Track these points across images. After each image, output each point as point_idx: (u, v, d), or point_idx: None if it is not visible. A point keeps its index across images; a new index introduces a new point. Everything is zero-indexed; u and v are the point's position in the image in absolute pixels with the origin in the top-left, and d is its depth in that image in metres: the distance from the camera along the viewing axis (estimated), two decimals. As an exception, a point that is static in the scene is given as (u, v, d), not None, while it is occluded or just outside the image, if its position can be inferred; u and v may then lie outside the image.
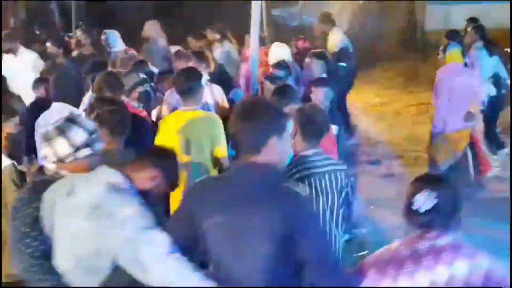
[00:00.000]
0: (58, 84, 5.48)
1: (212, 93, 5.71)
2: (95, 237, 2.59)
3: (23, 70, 7.82)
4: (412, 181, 2.65)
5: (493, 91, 7.91)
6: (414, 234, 2.54)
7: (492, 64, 8.17)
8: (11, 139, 4.19)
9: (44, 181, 2.87)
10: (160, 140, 4.51)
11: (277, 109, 2.58)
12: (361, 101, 10.99)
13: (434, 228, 2.48)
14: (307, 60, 6.71)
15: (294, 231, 2.31)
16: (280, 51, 7.49)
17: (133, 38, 10.06)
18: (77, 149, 2.72)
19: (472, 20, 9.13)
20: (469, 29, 8.62)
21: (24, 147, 5.07)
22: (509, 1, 12.05)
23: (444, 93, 6.55)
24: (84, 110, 4.32)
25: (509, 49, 10.75)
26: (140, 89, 5.52)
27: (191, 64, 6.07)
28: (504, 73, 8.25)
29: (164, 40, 9.10)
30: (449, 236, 2.48)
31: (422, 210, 2.43)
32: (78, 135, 2.74)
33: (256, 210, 2.35)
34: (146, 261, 2.49)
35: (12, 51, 8.23)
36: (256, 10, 6.26)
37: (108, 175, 2.70)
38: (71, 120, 2.81)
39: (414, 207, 2.45)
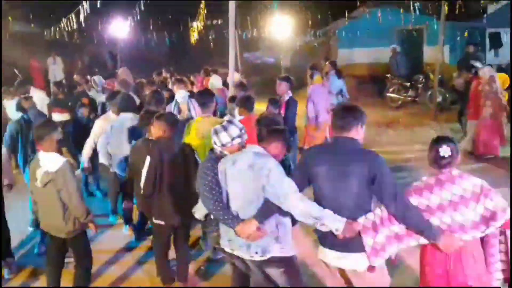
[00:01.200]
0: (123, 102, 6.24)
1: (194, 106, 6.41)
2: (254, 182, 3.40)
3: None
4: (434, 139, 3.41)
5: (339, 99, 9.51)
6: (436, 171, 3.33)
7: (339, 84, 9.82)
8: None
9: (216, 157, 3.71)
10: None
11: (362, 110, 3.39)
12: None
13: (450, 166, 3.29)
14: (278, 82, 7.20)
15: (374, 175, 3.14)
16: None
17: (152, 69, 12.20)
18: (232, 139, 3.57)
19: (332, 63, 10.55)
20: (327, 63, 10.45)
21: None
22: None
23: (313, 100, 8.01)
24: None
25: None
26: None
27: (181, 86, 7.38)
28: (344, 89, 9.88)
29: (131, 79, 10.75)
30: (456, 170, 3.33)
31: (446, 155, 3.25)
32: (234, 131, 3.58)
33: (350, 162, 3.21)
34: (283, 195, 3.30)
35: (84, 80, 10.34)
36: (232, 9, 8.16)
37: (253, 149, 3.57)
38: (231, 122, 3.69)
39: (441, 154, 3.26)
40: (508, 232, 3.34)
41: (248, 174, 3.37)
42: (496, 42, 15.56)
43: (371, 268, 3.25)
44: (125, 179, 5.57)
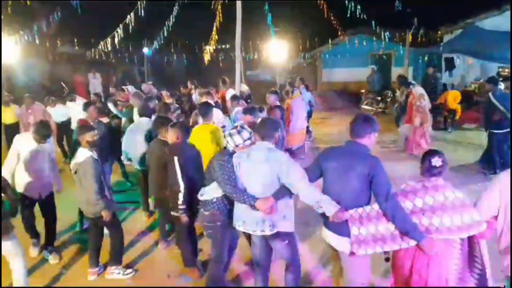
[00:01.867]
0: (144, 108, 6.29)
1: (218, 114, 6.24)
2: (270, 172, 3.50)
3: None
4: (427, 152, 3.29)
5: (308, 108, 9.68)
6: (424, 178, 3.21)
7: (308, 95, 10.40)
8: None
9: (230, 153, 3.78)
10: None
11: (376, 121, 3.34)
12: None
13: (440, 175, 3.17)
14: (267, 95, 7.27)
15: (372, 175, 3.14)
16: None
17: (173, 83, 13.21)
18: (244, 141, 3.70)
19: (301, 79, 10.95)
20: (298, 79, 10.78)
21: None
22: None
23: (293, 111, 7.95)
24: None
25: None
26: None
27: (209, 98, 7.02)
28: (313, 100, 10.55)
29: (154, 91, 10.51)
30: (442, 181, 3.17)
31: (438, 165, 3.14)
32: (245, 135, 3.71)
33: (355, 162, 3.21)
34: (294, 181, 3.41)
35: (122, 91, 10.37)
36: (238, 35, 8.58)
37: (265, 145, 3.61)
38: (242, 127, 3.79)
39: (433, 164, 3.15)
40: (482, 242, 3.16)
41: (265, 166, 3.48)
42: (450, 64, 15.69)
43: (351, 254, 3.25)
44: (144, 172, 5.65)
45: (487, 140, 7.71)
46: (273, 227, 3.54)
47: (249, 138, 3.69)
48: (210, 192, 3.89)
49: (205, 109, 5.38)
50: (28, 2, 7.94)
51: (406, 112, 9.19)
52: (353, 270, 3.36)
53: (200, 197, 3.95)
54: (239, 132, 3.68)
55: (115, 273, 4.71)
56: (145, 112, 6.15)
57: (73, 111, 8.52)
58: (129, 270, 4.79)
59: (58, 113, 9.12)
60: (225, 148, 3.87)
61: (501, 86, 8.52)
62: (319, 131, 11.73)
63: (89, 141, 4.40)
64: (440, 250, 3.12)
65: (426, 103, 8.71)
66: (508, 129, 7.25)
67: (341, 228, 3.23)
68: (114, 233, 4.70)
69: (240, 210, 3.67)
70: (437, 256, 3.12)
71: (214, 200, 3.87)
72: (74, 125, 7.84)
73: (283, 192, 3.49)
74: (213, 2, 10.97)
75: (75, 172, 4.41)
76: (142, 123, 5.98)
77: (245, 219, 3.63)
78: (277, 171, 3.43)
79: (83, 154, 4.39)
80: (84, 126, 4.73)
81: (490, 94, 7.49)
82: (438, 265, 3.14)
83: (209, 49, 13.70)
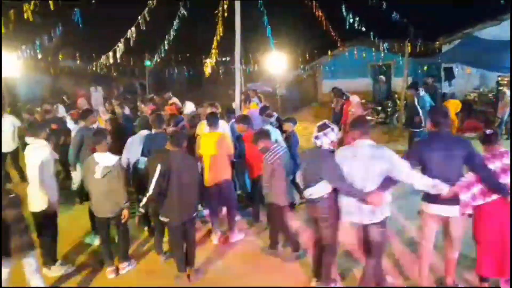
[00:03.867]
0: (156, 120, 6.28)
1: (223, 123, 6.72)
2: (377, 168, 3.85)
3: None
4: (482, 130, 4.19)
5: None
6: (488, 149, 4.13)
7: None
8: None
9: (328, 150, 4.15)
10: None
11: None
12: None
13: (495, 143, 4.16)
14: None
15: (468, 154, 3.91)
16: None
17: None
18: (337, 135, 4.25)
19: (254, 91, 11.40)
20: (252, 91, 11.12)
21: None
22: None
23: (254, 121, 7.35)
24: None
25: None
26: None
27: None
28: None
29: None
30: (501, 147, 4.17)
31: (490, 133, 4.18)
32: (336, 132, 4.26)
33: (456, 146, 3.95)
34: (405, 173, 3.85)
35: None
36: (238, 12, 8.45)
37: (368, 142, 3.96)
38: (328, 125, 4.25)
39: (487, 133, 4.14)
40: None
41: (372, 162, 3.86)
42: (450, 74, 15.73)
43: (462, 215, 4.04)
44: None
45: (408, 138, 8.95)
46: (381, 214, 3.97)
47: (337, 134, 4.21)
48: (319, 190, 4.15)
49: (213, 119, 5.87)
50: (30, 18, 7.96)
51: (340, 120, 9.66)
52: (460, 229, 4.14)
53: (309, 197, 4.25)
54: (332, 130, 4.15)
55: (126, 268, 5.08)
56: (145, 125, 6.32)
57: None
58: (133, 261, 5.21)
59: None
60: (319, 147, 4.20)
61: (422, 91, 9.30)
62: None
63: (107, 146, 4.74)
64: None
65: (361, 111, 9.13)
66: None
67: (452, 200, 3.93)
68: (125, 232, 5.05)
69: (349, 203, 4.01)
70: None
71: (326, 196, 4.14)
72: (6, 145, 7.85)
73: (388, 183, 3.90)
74: (214, 14, 11.01)
75: (103, 176, 4.61)
76: (142, 135, 6.15)
77: (354, 210, 3.99)
78: (385, 166, 3.84)
79: (111, 158, 4.68)
80: (102, 132, 4.93)
81: (415, 98, 8.69)
82: None
83: (209, 62, 13.72)
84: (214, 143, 5.66)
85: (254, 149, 5.44)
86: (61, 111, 9.24)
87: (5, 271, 3.85)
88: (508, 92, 11.61)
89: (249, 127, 6.17)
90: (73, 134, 6.65)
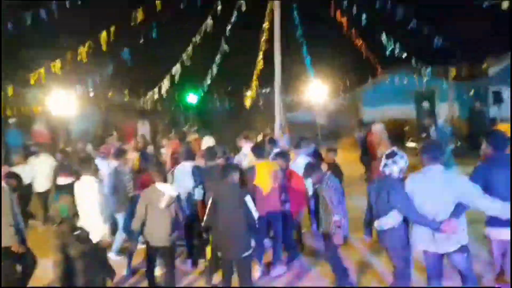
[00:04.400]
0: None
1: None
2: (450, 193, 3.80)
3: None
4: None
5: None
6: None
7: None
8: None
9: (398, 179, 4.06)
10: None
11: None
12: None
13: None
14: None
15: None
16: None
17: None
18: (406, 163, 4.14)
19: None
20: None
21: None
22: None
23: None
24: None
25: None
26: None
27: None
28: None
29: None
30: None
31: None
32: (405, 157, 4.17)
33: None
34: (478, 199, 3.80)
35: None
36: (277, 16, 9.12)
37: (439, 167, 3.91)
38: (396, 152, 4.20)
39: None
40: None
41: (445, 188, 3.79)
42: (498, 98, 15.15)
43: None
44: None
45: None
46: (458, 242, 3.87)
47: (406, 162, 4.12)
48: (390, 221, 4.09)
49: (259, 151, 6.15)
50: (84, 59, 8.58)
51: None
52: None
53: (380, 228, 4.19)
54: (402, 157, 4.09)
55: None
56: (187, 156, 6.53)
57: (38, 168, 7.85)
58: None
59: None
60: (387, 176, 4.13)
61: (442, 122, 9.78)
62: (356, 172, 11.36)
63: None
64: None
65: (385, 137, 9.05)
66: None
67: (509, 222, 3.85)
68: (170, 263, 5.11)
69: (422, 231, 3.92)
70: None
71: (397, 226, 4.08)
72: (40, 185, 7.60)
73: (461, 210, 3.81)
74: (254, 47, 11.33)
75: (167, 206, 4.85)
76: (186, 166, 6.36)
77: (427, 238, 3.91)
78: (458, 193, 3.77)
79: (171, 188, 5.01)
80: (161, 164, 5.55)
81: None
82: None
83: (250, 93, 14.02)
84: (268, 173, 5.70)
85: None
86: (89, 149, 9.33)
87: None
88: None
89: (287, 163, 6.18)
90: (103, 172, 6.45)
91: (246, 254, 4.66)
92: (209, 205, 4.73)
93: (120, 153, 6.73)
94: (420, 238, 4.00)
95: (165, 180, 5.13)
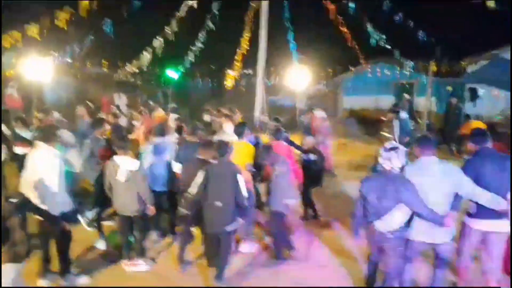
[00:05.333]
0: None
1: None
2: (449, 184, 3.88)
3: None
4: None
5: None
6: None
7: None
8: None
9: (397, 174, 3.84)
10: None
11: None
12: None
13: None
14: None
15: None
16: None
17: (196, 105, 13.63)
18: (402, 165, 3.87)
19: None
20: None
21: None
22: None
23: None
24: None
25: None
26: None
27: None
28: None
29: None
30: None
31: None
32: (404, 157, 3.89)
33: (506, 162, 4.11)
34: (471, 190, 3.96)
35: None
36: (264, 13, 9.02)
37: (435, 158, 3.96)
38: (396, 147, 3.90)
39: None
40: None
41: (443, 180, 3.86)
42: (474, 95, 15.53)
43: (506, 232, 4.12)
44: None
45: None
46: (451, 234, 4.01)
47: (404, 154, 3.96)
48: (398, 220, 3.87)
49: (240, 129, 6.12)
50: (65, 27, 8.27)
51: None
52: (501, 246, 4.20)
53: (388, 229, 3.92)
54: (402, 151, 3.87)
55: (142, 265, 5.12)
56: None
57: None
58: (150, 262, 5.22)
59: None
60: (389, 171, 3.89)
61: (403, 114, 9.88)
62: (340, 158, 11.57)
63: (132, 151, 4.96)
64: None
65: (327, 124, 9.62)
66: None
67: (503, 214, 3.98)
68: (145, 229, 5.20)
69: (421, 223, 3.93)
70: None
71: (403, 225, 3.91)
72: None
73: (459, 202, 4.00)
74: (239, 28, 11.20)
75: (126, 180, 4.81)
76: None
77: (425, 230, 3.95)
78: (455, 183, 3.88)
79: (133, 163, 4.88)
80: (126, 137, 5.17)
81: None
82: None
83: (232, 74, 13.89)
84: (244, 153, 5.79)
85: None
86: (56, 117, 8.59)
87: None
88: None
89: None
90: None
91: (230, 228, 4.79)
92: (200, 180, 4.75)
93: (98, 123, 6.61)
94: (419, 230, 4.00)
95: (134, 155, 5.12)
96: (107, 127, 6.67)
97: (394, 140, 9.42)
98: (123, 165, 4.89)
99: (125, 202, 5.02)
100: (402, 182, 3.79)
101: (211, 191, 4.74)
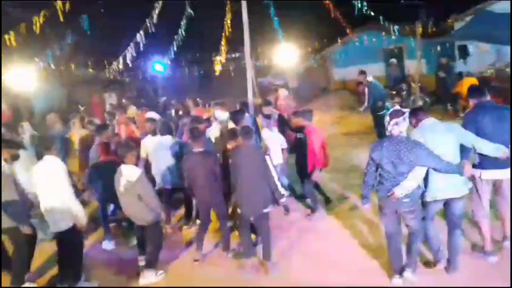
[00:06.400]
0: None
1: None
2: (455, 138, 4.12)
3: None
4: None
5: None
6: None
7: None
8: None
9: (406, 137, 3.97)
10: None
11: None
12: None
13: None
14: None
15: None
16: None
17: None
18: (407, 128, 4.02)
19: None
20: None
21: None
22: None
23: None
24: None
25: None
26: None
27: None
28: None
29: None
30: None
31: None
32: (407, 122, 4.03)
33: (505, 112, 4.31)
34: (475, 142, 4.17)
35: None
36: (245, 10, 8.63)
37: (434, 119, 4.25)
38: (401, 111, 4.06)
39: None
40: None
41: (449, 134, 4.10)
42: (464, 52, 15.40)
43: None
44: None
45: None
46: (468, 187, 4.21)
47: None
48: (416, 179, 3.99)
49: (237, 116, 6.22)
50: (38, 30, 8.04)
51: None
52: (509, 192, 4.35)
53: (406, 191, 3.98)
54: (404, 119, 3.95)
55: (152, 277, 4.90)
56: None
57: None
58: (161, 272, 5.00)
59: None
60: (397, 136, 3.98)
61: (371, 78, 9.84)
62: (337, 131, 11.56)
63: (134, 158, 4.75)
64: None
65: (290, 103, 9.89)
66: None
67: (506, 163, 4.17)
68: (158, 238, 4.93)
69: (439, 181, 4.09)
70: None
71: (416, 189, 4.04)
72: None
73: (467, 151, 4.19)
74: (221, 11, 10.98)
75: (126, 189, 4.61)
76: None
77: (444, 188, 4.10)
78: (459, 136, 4.11)
79: (134, 171, 4.60)
80: (127, 144, 4.90)
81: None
82: None
83: (219, 59, 13.71)
84: None
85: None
86: (26, 130, 8.40)
87: None
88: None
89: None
90: None
91: (266, 210, 4.89)
92: (231, 168, 4.90)
93: (102, 128, 6.57)
94: (434, 186, 4.14)
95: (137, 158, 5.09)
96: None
97: (368, 107, 9.59)
98: (124, 174, 4.68)
99: (129, 211, 4.88)
100: (414, 144, 3.93)
101: (244, 175, 4.78)
